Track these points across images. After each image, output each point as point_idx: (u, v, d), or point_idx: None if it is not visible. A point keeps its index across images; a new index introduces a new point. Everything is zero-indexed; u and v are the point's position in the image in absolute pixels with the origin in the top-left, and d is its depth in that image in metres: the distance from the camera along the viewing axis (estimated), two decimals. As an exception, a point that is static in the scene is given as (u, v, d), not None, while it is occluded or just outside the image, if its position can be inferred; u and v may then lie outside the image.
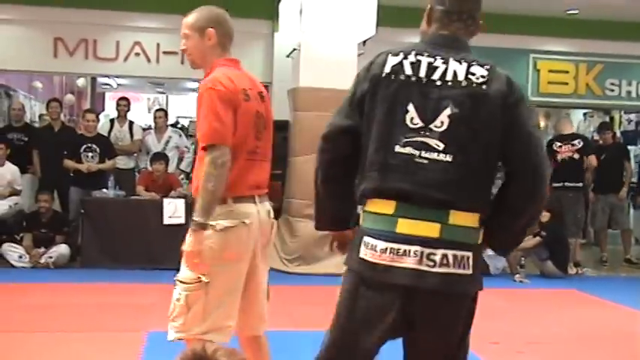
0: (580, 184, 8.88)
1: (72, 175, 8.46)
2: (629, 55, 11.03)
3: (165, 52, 10.00)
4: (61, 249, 7.92)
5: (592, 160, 8.99)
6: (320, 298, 5.56)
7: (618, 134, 12.08)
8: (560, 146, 8.88)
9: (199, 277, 2.92)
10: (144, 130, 10.34)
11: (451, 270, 2.18)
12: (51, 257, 7.83)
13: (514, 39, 10.65)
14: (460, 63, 2.27)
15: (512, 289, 7.72)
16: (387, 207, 2.20)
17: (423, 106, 2.17)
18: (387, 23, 8.85)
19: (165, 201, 8.00)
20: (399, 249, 2.16)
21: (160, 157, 8.74)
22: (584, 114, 13.51)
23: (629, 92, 11.34)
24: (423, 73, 2.23)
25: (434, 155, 2.15)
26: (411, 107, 2.18)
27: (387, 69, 2.28)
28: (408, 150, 2.17)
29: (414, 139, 2.16)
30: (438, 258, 2.16)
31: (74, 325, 5.44)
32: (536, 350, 5.12)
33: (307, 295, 6.81)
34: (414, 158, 2.16)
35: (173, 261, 7.66)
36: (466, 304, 2.34)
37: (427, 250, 2.16)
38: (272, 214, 3.15)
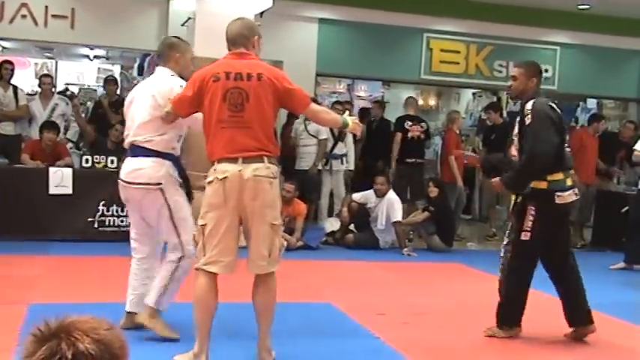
0: (422, 160, 9.84)
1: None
2: (518, 38, 11.42)
3: (54, 16, 9.60)
4: (-62, 218, 7.54)
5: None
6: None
7: (505, 115, 12.51)
8: (411, 125, 9.50)
9: (198, 222, 3.93)
10: (29, 95, 9.92)
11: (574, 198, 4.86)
12: None
13: (409, 18, 10.83)
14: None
15: (400, 263, 7.92)
16: (563, 175, 4.76)
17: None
18: (285, -4, 8.82)
19: (51, 170, 7.73)
20: (570, 193, 4.77)
21: (51, 126, 8.42)
22: (473, 94, 13.92)
23: (515, 74, 11.75)
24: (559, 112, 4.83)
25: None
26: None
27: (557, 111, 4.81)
28: (569, 149, 4.78)
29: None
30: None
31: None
32: (421, 321, 5.29)
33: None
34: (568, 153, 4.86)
35: (60, 231, 7.60)
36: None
37: (575, 190, 4.82)
38: (262, 174, 3.83)
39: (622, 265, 8.06)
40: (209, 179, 3.88)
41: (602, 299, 6.22)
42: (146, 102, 4.33)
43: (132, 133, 4.39)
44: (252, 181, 3.80)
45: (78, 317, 1.47)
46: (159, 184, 4.30)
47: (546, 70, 11.76)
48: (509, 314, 4.89)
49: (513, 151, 4.96)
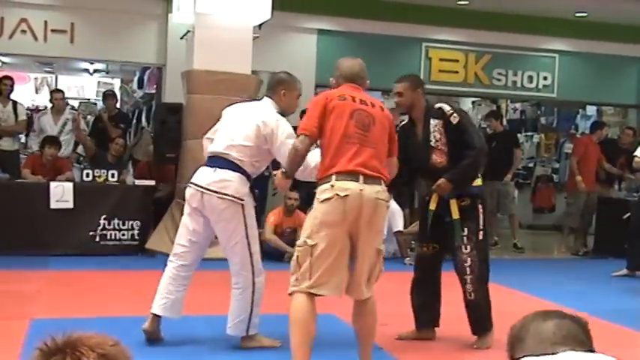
0: None
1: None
2: (516, 46, 11.45)
3: (53, 30, 9.63)
4: (-62, 234, 7.54)
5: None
6: (211, 283, 5.54)
7: (504, 123, 12.54)
8: None
9: (306, 241, 3.73)
10: (39, 110, 9.94)
11: None
12: None
13: (407, 28, 10.86)
14: None
15: (402, 272, 7.87)
16: None
17: None
18: (283, 7, 8.85)
19: (52, 184, 7.75)
20: None
21: (53, 141, 8.44)
22: (473, 102, 13.93)
23: (514, 82, 11.77)
24: None
25: None
26: None
27: None
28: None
29: None
30: None
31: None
32: (424, 331, 5.26)
33: (199, 280, 6.74)
34: None
35: (61, 246, 7.60)
36: None
37: None
38: (383, 197, 3.83)
39: (624, 271, 8.05)
40: (326, 196, 3.75)
41: (604, 306, 6.23)
42: (250, 127, 4.40)
43: (223, 148, 4.41)
44: (373, 202, 3.79)
45: (84, 333, 1.48)
46: (242, 199, 4.35)
47: (545, 78, 11.80)
48: (489, 316, 4.99)
49: (437, 158, 4.77)
